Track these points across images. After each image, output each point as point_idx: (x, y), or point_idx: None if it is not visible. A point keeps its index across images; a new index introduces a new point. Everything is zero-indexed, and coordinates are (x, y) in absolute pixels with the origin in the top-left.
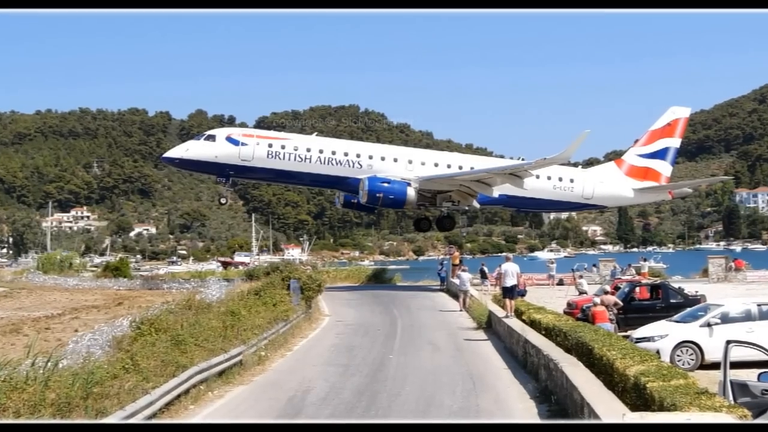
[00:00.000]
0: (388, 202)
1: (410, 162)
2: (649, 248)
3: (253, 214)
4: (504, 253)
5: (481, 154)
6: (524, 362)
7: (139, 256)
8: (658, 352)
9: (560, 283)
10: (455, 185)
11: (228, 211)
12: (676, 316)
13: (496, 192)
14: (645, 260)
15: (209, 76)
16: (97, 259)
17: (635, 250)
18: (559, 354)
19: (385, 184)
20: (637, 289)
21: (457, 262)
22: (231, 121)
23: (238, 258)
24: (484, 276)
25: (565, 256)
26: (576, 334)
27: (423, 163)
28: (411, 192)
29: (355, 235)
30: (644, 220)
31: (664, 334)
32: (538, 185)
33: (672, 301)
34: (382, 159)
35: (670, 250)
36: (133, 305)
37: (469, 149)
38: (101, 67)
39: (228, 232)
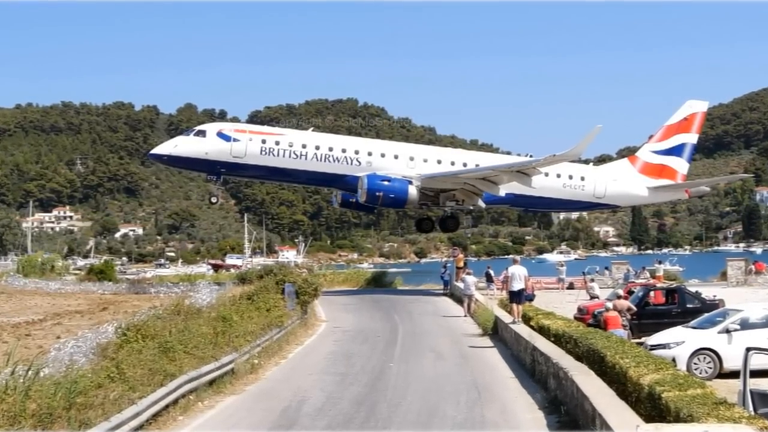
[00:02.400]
0: (388, 201)
1: (412, 159)
2: (665, 250)
3: (246, 214)
4: (511, 256)
5: (487, 150)
6: (532, 371)
7: (125, 259)
8: (673, 359)
9: (570, 287)
10: (459, 183)
11: (219, 211)
12: (692, 322)
13: (503, 191)
14: (660, 263)
15: (199, 68)
16: (81, 262)
17: (650, 252)
18: (569, 362)
19: (386, 183)
20: (652, 294)
21: (461, 264)
22: (222, 116)
23: (230, 260)
24: (490, 279)
25: (576, 259)
26: (587, 340)
27: (425, 160)
28: (412, 191)
29: (354, 236)
30: (659, 221)
31: (680, 341)
32: (547, 183)
33: (688, 306)
34: (382, 156)
35: (687, 252)
36: (118, 310)
37: (473, 145)
38: (85, 59)
39: (219, 233)
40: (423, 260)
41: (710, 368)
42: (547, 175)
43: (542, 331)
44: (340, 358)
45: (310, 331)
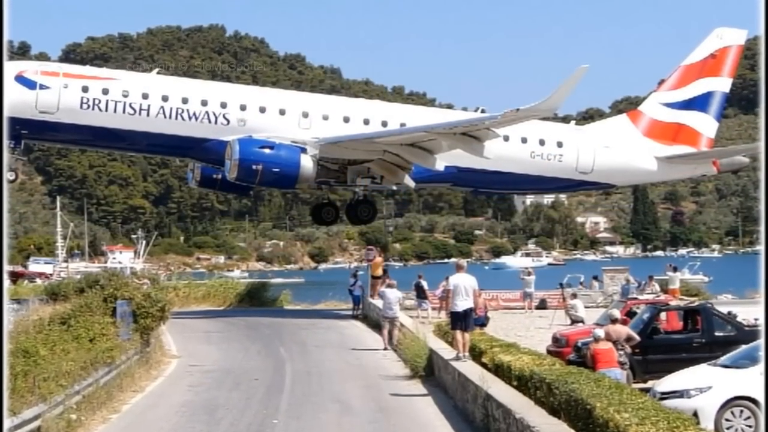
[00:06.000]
0: (270, 178)
1: (305, 115)
2: (683, 251)
3: (59, 198)
4: (454, 259)
5: (418, 102)
6: (485, 430)
7: None
8: (696, 413)
9: (542, 305)
10: (376, 151)
11: (19, 193)
12: (724, 358)
13: (442, 163)
14: (675, 270)
15: None
16: None
17: (660, 253)
18: (540, 417)
19: (267, 150)
20: (663, 316)
21: (379, 272)
22: (23, 51)
23: (35, 266)
24: (422, 295)
25: (550, 264)
26: (567, 386)
27: (326, 117)
28: (307, 162)
29: (220, 230)
30: (674, 207)
31: (705, 387)
32: (506, 152)
33: (718, 334)
34: (262, 111)
35: (715, 254)
36: None
37: (398, 95)
38: None
39: (19, 226)
40: (323, 266)
41: (750, 426)
42: (507, 139)
43: (500, 371)
44: (199, 413)
45: (155, 372)
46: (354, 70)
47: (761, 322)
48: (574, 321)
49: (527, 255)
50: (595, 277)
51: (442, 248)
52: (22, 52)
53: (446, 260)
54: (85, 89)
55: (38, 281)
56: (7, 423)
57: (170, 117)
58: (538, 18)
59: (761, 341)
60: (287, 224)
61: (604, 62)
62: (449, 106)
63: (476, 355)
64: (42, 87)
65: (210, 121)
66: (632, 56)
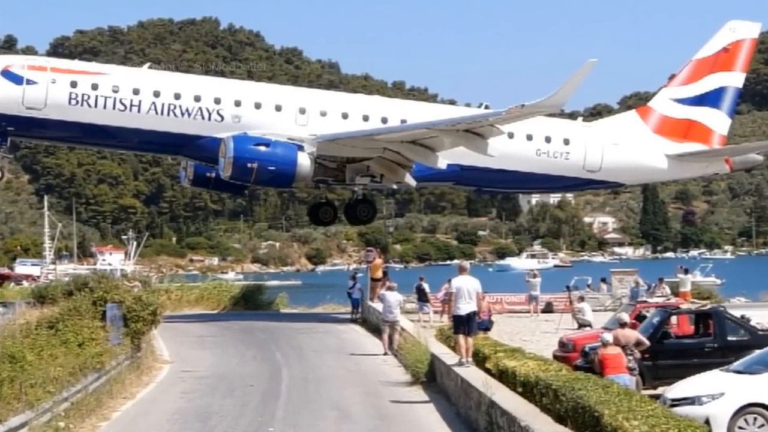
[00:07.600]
0: (266, 176)
1: (303, 112)
2: (694, 252)
3: (46, 197)
4: (457, 261)
5: (419, 98)
6: None
7: None
8: (708, 421)
9: (548, 309)
10: (376, 149)
11: (5, 192)
12: (737, 364)
13: (444, 161)
14: (687, 272)
15: None
16: None
17: (670, 255)
18: (546, 425)
19: (262, 148)
20: (674, 320)
21: (379, 274)
22: (10, 45)
23: (22, 268)
24: (423, 297)
25: (556, 266)
26: (574, 392)
27: (324, 114)
28: (304, 160)
29: (214, 230)
30: (685, 207)
31: (717, 393)
32: (511, 149)
33: (730, 338)
34: (257, 107)
35: (728, 256)
36: None
37: (398, 90)
38: None
39: (5, 226)
40: (320, 268)
41: None
42: (511, 136)
43: (505, 376)
44: (191, 420)
45: (146, 378)
46: (353, 65)
47: None
48: (582, 325)
49: (533, 256)
50: (603, 280)
51: (444, 249)
52: (8, 45)
53: (448, 262)
54: (73, 84)
55: (25, 284)
56: None
57: (162, 113)
58: (544, 10)
59: None
60: (283, 224)
61: (613, 56)
62: (452, 102)
63: (480, 360)
64: (29, 82)
65: (203, 118)
66: (642, 50)
